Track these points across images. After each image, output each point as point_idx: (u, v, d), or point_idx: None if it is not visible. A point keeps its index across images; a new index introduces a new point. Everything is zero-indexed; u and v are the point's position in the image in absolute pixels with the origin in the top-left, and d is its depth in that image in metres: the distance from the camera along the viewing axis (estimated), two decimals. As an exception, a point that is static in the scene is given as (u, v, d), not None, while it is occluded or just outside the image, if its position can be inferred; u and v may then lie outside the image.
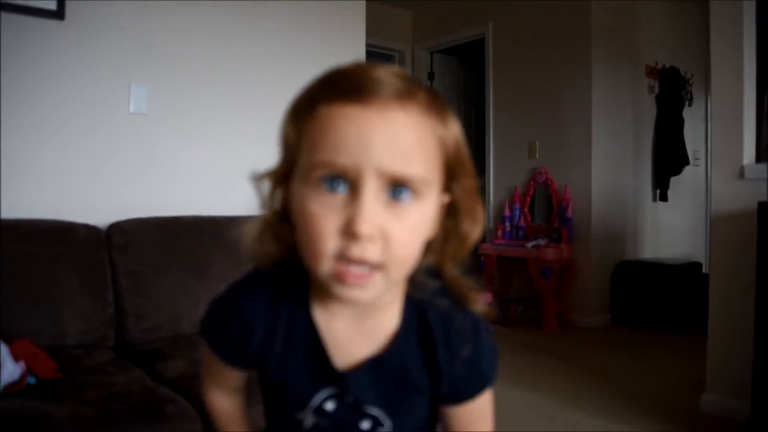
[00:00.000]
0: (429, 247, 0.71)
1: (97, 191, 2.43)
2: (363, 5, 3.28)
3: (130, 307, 2.18)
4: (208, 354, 0.80)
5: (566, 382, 3.19)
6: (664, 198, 5.19)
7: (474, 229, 0.72)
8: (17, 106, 2.25)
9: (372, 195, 0.61)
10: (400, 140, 0.62)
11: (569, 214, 4.63)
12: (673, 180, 5.22)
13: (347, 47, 3.16)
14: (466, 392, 0.77)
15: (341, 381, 0.72)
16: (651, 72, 5.09)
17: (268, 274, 0.74)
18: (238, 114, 2.82)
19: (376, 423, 0.74)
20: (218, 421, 0.90)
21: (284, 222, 0.70)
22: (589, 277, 4.61)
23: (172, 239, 2.33)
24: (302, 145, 0.65)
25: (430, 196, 0.66)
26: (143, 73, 2.54)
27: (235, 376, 0.84)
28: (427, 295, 0.74)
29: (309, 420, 0.74)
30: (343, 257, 0.61)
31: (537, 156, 4.92)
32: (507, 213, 4.98)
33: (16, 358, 1.59)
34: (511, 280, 5.02)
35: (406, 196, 0.63)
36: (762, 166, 2.64)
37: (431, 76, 5.94)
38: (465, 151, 0.70)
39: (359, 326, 0.72)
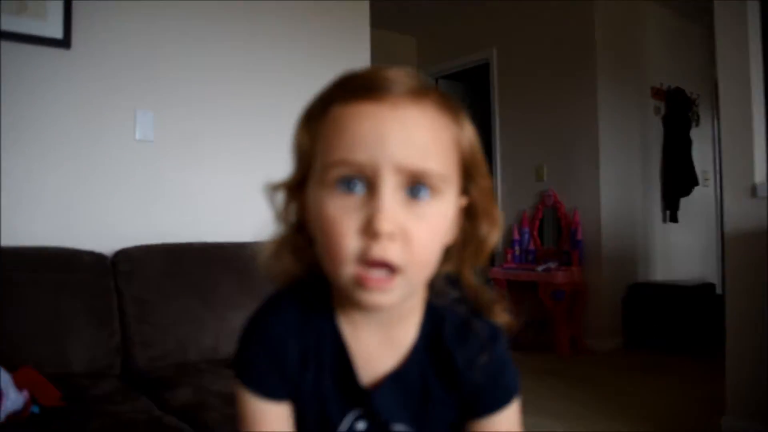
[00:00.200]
0: (447, 254, 0.69)
1: (103, 218, 2.41)
2: (367, 32, 3.29)
3: (136, 335, 2.15)
4: (245, 401, 0.72)
5: (581, 407, 3.12)
6: (674, 219, 5.15)
7: (492, 233, 0.71)
8: (23, 133, 2.25)
9: (391, 192, 0.60)
10: (415, 135, 0.61)
11: (579, 236, 4.59)
12: (683, 201, 5.19)
13: (353, 62, 3.15)
14: (489, 404, 0.73)
15: (368, 400, 0.70)
16: (657, 93, 5.08)
17: (290, 292, 0.72)
18: (245, 140, 2.81)
19: None
20: None
21: (300, 235, 0.69)
22: (601, 300, 4.55)
23: (178, 266, 2.31)
24: (316, 149, 0.64)
25: (449, 194, 0.65)
26: (149, 100, 2.54)
27: (280, 422, 0.73)
28: (446, 304, 0.72)
29: None
30: (363, 259, 0.60)
31: (545, 179, 4.90)
32: (516, 237, 4.94)
33: (20, 386, 1.56)
34: (521, 305, 4.96)
35: (424, 194, 0.62)
36: (774, 184, 2.61)
37: (437, 101, 5.94)
38: (480, 152, 0.69)
39: (383, 337, 0.71)
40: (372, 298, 0.62)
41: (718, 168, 5.52)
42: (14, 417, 1.51)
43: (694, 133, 5.31)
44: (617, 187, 4.72)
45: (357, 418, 0.71)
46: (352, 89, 0.63)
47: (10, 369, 1.64)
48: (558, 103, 4.79)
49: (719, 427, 2.69)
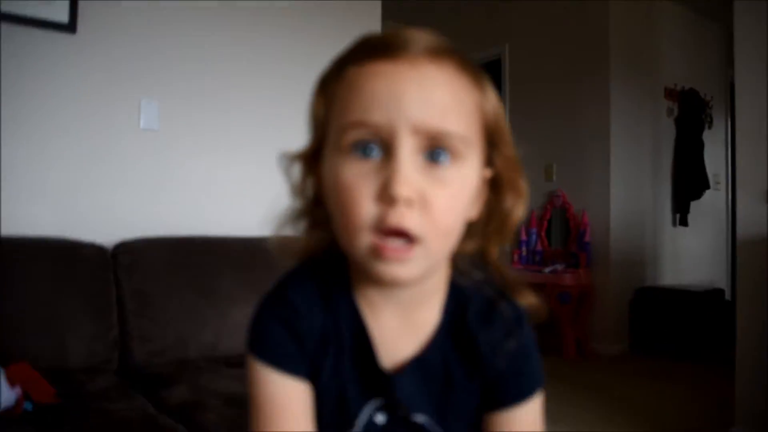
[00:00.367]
0: (471, 231, 0.66)
1: (106, 209, 2.37)
2: (378, 25, 3.23)
3: (135, 330, 2.10)
4: (259, 377, 0.65)
5: (585, 411, 3.07)
6: (684, 222, 5.09)
7: (518, 206, 0.66)
8: (25, 120, 2.20)
9: (408, 155, 0.57)
10: (434, 94, 0.58)
11: (587, 238, 4.53)
12: (694, 204, 5.12)
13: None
14: (511, 394, 0.68)
15: (390, 387, 0.66)
16: (670, 94, 5.01)
17: (308, 269, 0.68)
18: (251, 130, 2.75)
19: (430, 429, 0.67)
20: None
21: (318, 210, 0.65)
22: (608, 304, 4.49)
23: (180, 259, 2.26)
24: (332, 114, 0.61)
25: (471, 160, 0.61)
26: (154, 89, 2.49)
27: (299, 403, 0.65)
28: (471, 284, 0.68)
29: None
30: (379, 227, 0.56)
31: (554, 179, 4.84)
32: (523, 237, 4.88)
33: (13, 382, 1.52)
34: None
35: (444, 158, 0.58)
36: (790, 190, 2.55)
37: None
38: (504, 120, 0.65)
39: (404, 320, 0.67)
40: (389, 270, 0.58)
41: (729, 171, 5.45)
42: (6, 413, 1.47)
43: (707, 136, 5.24)
44: (627, 188, 4.65)
45: (377, 409, 0.66)
46: (368, 49, 0.60)
47: (5, 363, 1.61)
48: (569, 102, 4.72)
49: (728, 438, 2.64)
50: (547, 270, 4.48)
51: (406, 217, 0.56)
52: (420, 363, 0.66)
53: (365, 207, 0.57)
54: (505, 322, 0.67)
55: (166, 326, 2.14)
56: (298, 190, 0.67)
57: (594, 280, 4.51)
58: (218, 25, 2.67)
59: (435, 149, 0.58)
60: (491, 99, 0.64)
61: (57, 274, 1.99)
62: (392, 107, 0.56)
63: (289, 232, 0.67)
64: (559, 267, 4.49)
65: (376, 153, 0.57)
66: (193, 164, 2.59)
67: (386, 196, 0.56)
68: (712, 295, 4.51)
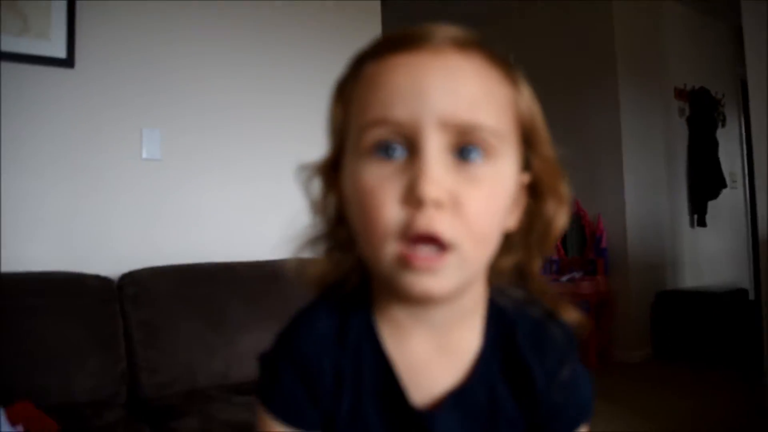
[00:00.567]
0: (509, 243, 0.59)
1: (110, 241, 2.35)
2: (379, 32, 3.21)
3: (142, 361, 2.07)
4: (267, 428, 0.62)
5: (608, 422, 2.98)
6: (702, 223, 5.00)
7: (560, 212, 0.60)
8: (26, 155, 2.19)
9: (436, 153, 0.51)
10: (462, 85, 0.52)
11: (604, 244, 4.45)
12: (711, 204, 5.03)
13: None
14: (561, 426, 0.63)
15: (426, 426, 0.58)
16: (680, 94, 4.95)
17: (327, 301, 0.62)
18: (256, 156, 2.73)
19: None
20: None
21: (340, 230, 0.59)
22: (629, 310, 4.41)
23: (186, 288, 2.23)
24: (350, 117, 0.56)
25: (506, 157, 0.55)
26: (156, 118, 2.48)
27: None
28: (512, 304, 0.61)
29: None
30: (407, 234, 0.50)
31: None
32: (538, 246, 4.81)
33: (15, 421, 1.49)
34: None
35: (476, 155, 0.52)
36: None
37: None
38: (541, 118, 0.59)
39: (438, 346, 0.59)
40: (419, 282, 0.51)
41: (746, 169, 5.36)
42: (8, 455, 1.44)
43: (720, 134, 5.16)
44: (642, 192, 4.58)
45: None
46: (387, 43, 0.55)
47: (10, 401, 1.58)
48: (579, 108, 4.66)
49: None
50: (564, 279, 4.41)
51: (436, 221, 0.50)
52: (462, 396, 0.59)
53: (390, 212, 0.51)
54: (558, 348, 0.61)
55: (174, 356, 2.10)
56: (318, 208, 0.61)
57: (613, 286, 4.43)
58: (219, 53, 2.66)
59: (465, 145, 0.52)
60: (526, 95, 0.58)
61: (61, 308, 1.97)
62: (416, 101, 0.51)
63: (308, 254, 0.61)
64: (577, 275, 4.42)
65: (399, 153, 0.52)
66: (196, 193, 2.57)
67: (413, 199, 0.50)
68: (736, 295, 4.42)
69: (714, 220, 5.08)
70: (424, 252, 0.51)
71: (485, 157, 0.53)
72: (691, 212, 5.03)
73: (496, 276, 0.61)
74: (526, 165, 0.59)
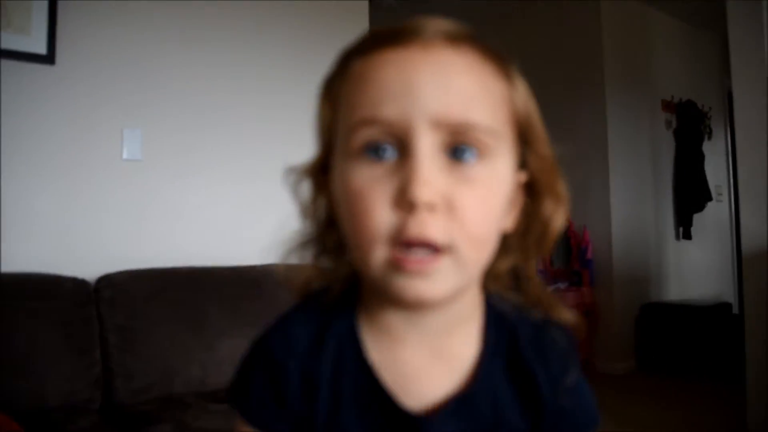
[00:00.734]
0: (506, 245, 0.57)
1: (88, 243, 2.30)
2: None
3: (118, 366, 2.02)
4: (239, 428, 0.61)
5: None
6: (687, 236, 5.01)
7: (558, 212, 0.58)
8: (5, 152, 2.14)
9: (428, 153, 0.48)
10: (454, 81, 0.50)
11: (589, 255, 4.45)
12: (696, 217, 5.04)
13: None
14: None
15: (415, 431, 0.55)
16: (667, 106, 4.97)
17: (308, 308, 0.60)
18: (239, 159, 2.69)
19: None
20: None
21: (330, 234, 0.57)
22: (613, 322, 4.40)
23: (165, 292, 2.18)
24: (339, 116, 0.53)
25: (502, 156, 0.52)
26: (137, 117, 2.44)
27: None
28: (510, 308, 0.59)
29: None
30: (398, 239, 0.48)
31: (553, 196, 4.77)
32: (524, 255, 4.80)
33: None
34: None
35: (470, 155, 0.50)
36: (795, 199, 2.48)
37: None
38: (537, 115, 0.57)
39: (432, 351, 0.56)
40: (412, 286, 0.49)
41: (732, 182, 5.39)
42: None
43: (707, 147, 5.18)
44: (628, 203, 4.58)
45: None
46: (375, 39, 0.52)
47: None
48: (565, 118, 4.65)
49: (741, 459, 2.54)
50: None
51: (428, 226, 0.48)
52: (462, 403, 0.55)
53: (380, 216, 0.48)
54: (561, 352, 0.59)
55: (151, 362, 2.06)
56: (308, 212, 0.59)
57: (598, 297, 4.43)
58: (202, 53, 2.62)
59: (459, 145, 0.49)
60: (521, 90, 0.56)
61: (35, 310, 1.92)
62: (406, 99, 0.49)
63: (295, 259, 0.59)
64: (562, 286, 4.40)
65: (390, 154, 0.49)
66: (177, 195, 2.53)
67: (404, 202, 0.48)
68: (719, 309, 4.42)
69: (699, 233, 5.09)
70: (416, 255, 0.48)
71: (480, 157, 0.50)
72: (677, 225, 5.04)
73: (492, 279, 0.59)
74: (523, 163, 0.57)
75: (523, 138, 0.56)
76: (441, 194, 0.48)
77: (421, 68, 0.49)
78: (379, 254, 0.49)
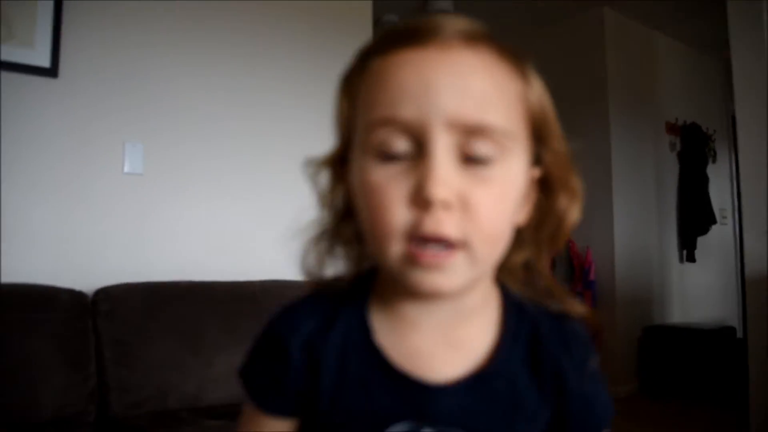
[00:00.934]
0: (519, 239, 0.59)
1: (87, 254, 2.30)
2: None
3: (113, 380, 2.00)
4: (246, 408, 0.63)
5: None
6: (691, 258, 4.98)
7: (572, 207, 0.59)
8: (5, 165, 2.15)
9: (444, 152, 0.50)
10: (470, 82, 0.51)
11: (592, 276, 4.42)
12: (700, 240, 5.01)
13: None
14: (590, 424, 0.61)
15: (426, 401, 0.55)
16: (671, 129, 4.96)
17: (317, 295, 0.62)
18: (240, 173, 2.70)
19: None
20: None
21: (346, 225, 0.60)
22: (615, 344, 4.36)
23: (162, 306, 2.17)
24: (357, 112, 0.55)
25: (516, 155, 0.54)
26: (139, 131, 2.44)
27: None
28: (526, 299, 0.60)
29: None
30: (414, 235, 0.50)
31: (556, 216, 4.75)
32: (526, 276, 4.78)
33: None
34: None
35: (486, 156, 0.51)
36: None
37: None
38: (552, 112, 0.58)
39: (446, 339, 0.57)
40: (428, 279, 0.50)
41: (736, 206, 5.36)
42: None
43: (711, 170, 5.16)
44: (632, 225, 4.56)
45: None
46: (393, 38, 0.53)
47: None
48: (569, 138, 4.65)
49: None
50: (551, 310, 4.36)
51: (444, 223, 0.49)
52: (479, 380, 0.56)
53: (397, 213, 0.50)
54: (581, 341, 0.61)
55: (146, 376, 2.04)
56: (326, 201, 0.60)
57: (600, 319, 4.39)
58: (205, 68, 2.64)
59: (474, 145, 0.51)
60: (536, 88, 0.57)
61: (31, 321, 1.91)
62: (423, 100, 0.50)
63: (312, 250, 0.61)
64: (564, 306, 4.37)
65: (406, 152, 0.51)
66: (177, 209, 2.53)
67: (420, 200, 0.49)
68: (723, 333, 4.38)
69: (703, 255, 5.06)
70: (432, 249, 0.50)
71: (495, 157, 0.52)
72: (681, 247, 5.01)
73: (506, 273, 0.60)
74: (537, 159, 0.58)
75: (538, 134, 0.57)
76: (456, 193, 0.49)
77: (439, 69, 0.51)
78: (396, 249, 0.51)
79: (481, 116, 0.50)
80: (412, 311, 0.57)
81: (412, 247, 0.50)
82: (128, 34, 2.44)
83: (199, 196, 2.58)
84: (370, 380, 0.57)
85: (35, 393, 1.85)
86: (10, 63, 2.18)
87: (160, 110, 2.50)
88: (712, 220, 5.01)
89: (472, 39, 0.53)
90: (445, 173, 0.49)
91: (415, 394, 0.56)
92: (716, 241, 5.22)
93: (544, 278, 0.61)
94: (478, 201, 0.50)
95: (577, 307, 0.62)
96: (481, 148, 0.51)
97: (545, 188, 0.59)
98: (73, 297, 2.05)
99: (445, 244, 0.50)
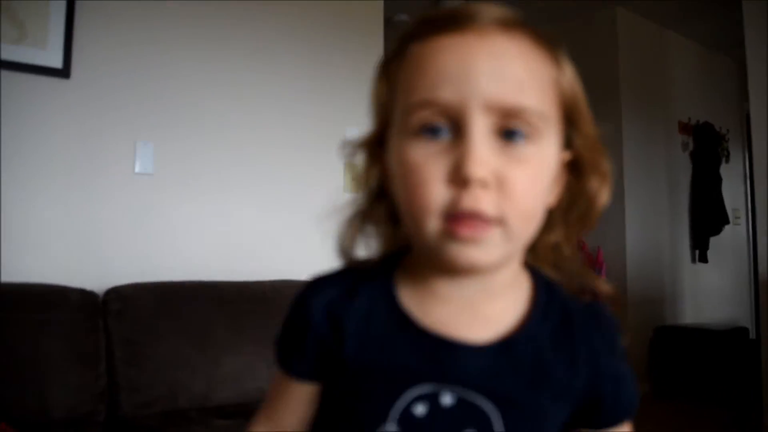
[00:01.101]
0: (550, 220, 0.60)
1: (98, 255, 2.31)
2: (381, 53, 3.19)
3: (123, 380, 2.01)
4: (276, 372, 0.66)
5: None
6: (703, 259, 4.94)
7: (602, 188, 0.61)
8: (17, 165, 2.16)
9: (481, 133, 0.52)
10: (507, 67, 0.53)
11: (603, 276, 4.40)
12: (713, 240, 4.98)
13: (365, 104, 3.04)
14: (622, 407, 0.62)
15: (451, 360, 0.56)
16: (684, 128, 4.92)
17: (352, 269, 0.64)
18: (251, 173, 2.70)
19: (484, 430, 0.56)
20: None
21: (380, 205, 0.62)
22: (627, 345, 4.32)
23: (172, 306, 2.18)
24: (396, 96, 0.57)
25: (549, 137, 0.56)
26: (150, 131, 2.45)
27: (297, 404, 0.65)
28: (555, 278, 0.62)
29: (391, 430, 0.56)
30: (452, 212, 0.52)
31: (567, 216, 4.74)
32: (537, 276, 4.76)
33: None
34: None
35: (521, 137, 0.53)
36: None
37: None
38: (583, 97, 0.61)
39: (474, 313, 0.58)
40: (465, 252, 0.52)
41: (749, 206, 5.32)
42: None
43: (724, 170, 5.12)
44: (643, 225, 4.53)
45: (419, 398, 0.56)
46: (432, 24, 0.55)
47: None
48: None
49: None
50: (562, 310, 4.34)
51: (481, 200, 0.51)
52: (504, 347, 0.57)
53: (435, 190, 0.52)
54: (611, 319, 0.62)
55: (156, 376, 2.05)
56: (361, 180, 0.63)
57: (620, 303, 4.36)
58: (216, 68, 2.64)
59: (510, 127, 0.53)
60: (568, 74, 0.59)
61: (41, 321, 1.92)
62: (462, 84, 0.52)
63: (347, 230, 0.63)
64: (575, 307, 4.35)
65: (445, 133, 0.53)
66: (188, 208, 2.53)
67: (458, 178, 0.51)
68: (736, 333, 4.35)
69: (716, 256, 5.02)
70: (469, 223, 0.52)
71: (528, 138, 0.53)
72: (693, 247, 4.98)
73: (537, 255, 0.62)
74: (568, 143, 0.60)
75: (569, 119, 0.59)
76: (493, 172, 0.51)
77: (477, 54, 0.53)
78: (433, 224, 0.52)
79: (517, 99, 0.52)
80: (443, 287, 0.58)
81: (449, 223, 0.52)
82: (140, 35, 2.45)
83: (210, 196, 2.58)
84: (395, 340, 0.58)
85: (46, 392, 1.86)
86: (23, 64, 2.19)
87: (170, 110, 2.51)
88: (725, 221, 4.97)
89: (508, 25, 0.55)
90: (483, 153, 0.51)
91: (440, 352, 0.56)
92: (729, 242, 5.18)
93: (571, 260, 0.63)
94: (514, 180, 0.52)
95: (604, 287, 0.63)
96: (517, 129, 0.53)
97: (576, 171, 0.61)
98: (84, 297, 2.05)
99: (482, 220, 0.51)
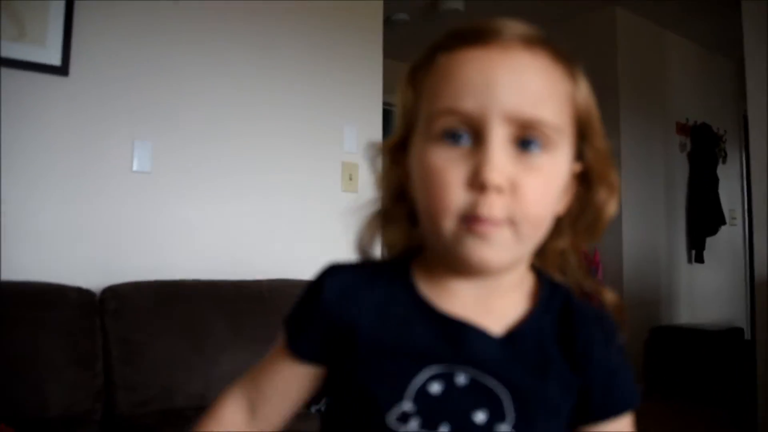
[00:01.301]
0: (558, 227, 0.64)
1: (95, 253, 2.31)
2: (380, 62, 3.19)
3: (120, 379, 2.01)
4: (277, 345, 0.67)
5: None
6: (699, 259, 4.95)
7: (611, 200, 0.65)
8: (14, 162, 2.16)
9: (500, 142, 0.55)
10: (527, 81, 0.57)
11: (599, 277, 4.40)
12: (709, 240, 4.98)
13: (363, 103, 3.05)
14: (615, 400, 0.64)
15: (465, 341, 0.59)
16: (682, 129, 4.93)
17: (366, 263, 0.67)
18: (248, 172, 2.70)
19: (495, 414, 0.57)
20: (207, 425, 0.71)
21: (399, 205, 0.65)
22: (623, 345, 4.34)
23: (169, 305, 2.18)
24: (421, 102, 0.60)
25: (562, 149, 0.59)
26: (148, 130, 2.45)
27: (283, 384, 0.67)
28: (559, 279, 0.66)
29: (407, 408, 0.57)
30: (468, 216, 0.55)
31: (564, 216, 4.74)
32: (534, 275, 4.77)
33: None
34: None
35: (536, 147, 0.57)
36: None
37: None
38: (596, 111, 0.64)
39: (483, 308, 0.61)
40: (478, 250, 0.56)
41: (746, 207, 5.33)
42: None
43: (721, 171, 5.13)
44: (640, 225, 4.54)
45: (435, 377, 0.57)
46: (459, 37, 0.59)
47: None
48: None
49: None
50: (558, 310, 4.35)
51: (496, 207, 0.55)
52: (510, 337, 0.60)
53: (455, 193, 0.55)
54: (610, 316, 0.65)
55: (153, 375, 2.05)
56: (381, 181, 0.66)
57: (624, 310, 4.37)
58: (215, 67, 2.64)
59: (527, 138, 0.56)
60: (583, 90, 0.62)
61: (38, 319, 1.92)
62: (484, 94, 0.55)
63: (367, 228, 0.67)
64: (571, 306, 4.36)
65: (466, 140, 0.56)
66: (185, 207, 2.53)
67: (477, 183, 0.55)
68: (731, 334, 4.36)
69: (712, 256, 5.03)
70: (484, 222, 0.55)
71: (543, 149, 0.57)
72: (689, 248, 4.99)
73: (544, 259, 0.65)
74: (579, 155, 0.63)
75: (582, 132, 0.62)
76: (508, 179, 0.55)
77: (500, 68, 0.56)
78: (450, 224, 0.56)
79: (534, 112, 0.56)
80: (455, 285, 0.61)
81: (465, 224, 0.55)
82: (139, 33, 2.45)
83: (207, 195, 2.58)
84: (413, 321, 0.60)
85: (42, 391, 1.86)
86: (22, 61, 2.19)
87: (169, 109, 2.51)
88: (722, 221, 4.98)
89: (530, 42, 0.58)
90: (500, 161, 0.55)
91: (456, 334, 0.59)
92: (725, 243, 5.19)
93: (577, 267, 0.67)
94: (527, 186, 0.55)
95: (608, 295, 0.66)
96: (533, 139, 0.56)
97: (586, 182, 0.64)
98: (81, 295, 2.05)
99: (494, 223, 0.55)
